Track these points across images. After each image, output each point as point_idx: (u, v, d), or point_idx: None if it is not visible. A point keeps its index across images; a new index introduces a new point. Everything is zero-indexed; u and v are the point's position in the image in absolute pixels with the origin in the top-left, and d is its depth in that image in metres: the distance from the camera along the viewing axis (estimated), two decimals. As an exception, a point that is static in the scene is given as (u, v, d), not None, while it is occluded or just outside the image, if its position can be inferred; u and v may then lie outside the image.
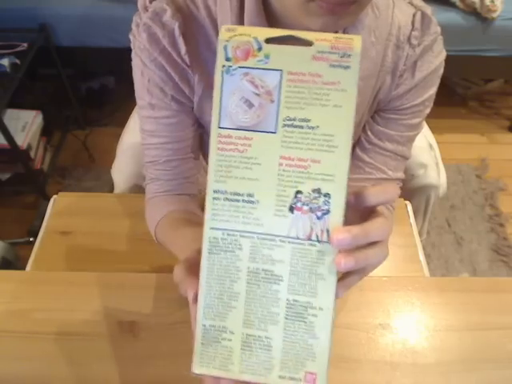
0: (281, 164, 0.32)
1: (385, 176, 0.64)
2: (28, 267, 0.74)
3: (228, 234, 0.34)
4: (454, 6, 1.67)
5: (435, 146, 1.04)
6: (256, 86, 0.32)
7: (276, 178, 0.33)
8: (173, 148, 0.61)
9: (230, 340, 0.35)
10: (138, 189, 0.90)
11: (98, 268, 0.74)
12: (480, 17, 1.65)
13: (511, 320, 0.59)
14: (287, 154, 0.32)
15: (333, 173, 0.32)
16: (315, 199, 0.33)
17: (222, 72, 0.32)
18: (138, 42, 0.55)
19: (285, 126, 0.32)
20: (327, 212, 0.33)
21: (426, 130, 1.06)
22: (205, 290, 0.35)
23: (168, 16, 0.52)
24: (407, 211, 0.83)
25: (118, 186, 0.96)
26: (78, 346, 0.55)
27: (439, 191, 1.01)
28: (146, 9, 0.54)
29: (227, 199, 0.33)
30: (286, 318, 0.35)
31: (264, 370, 0.35)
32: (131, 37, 0.56)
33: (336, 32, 0.53)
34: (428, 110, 0.63)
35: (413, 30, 0.56)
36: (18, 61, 1.51)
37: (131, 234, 0.80)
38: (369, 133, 0.63)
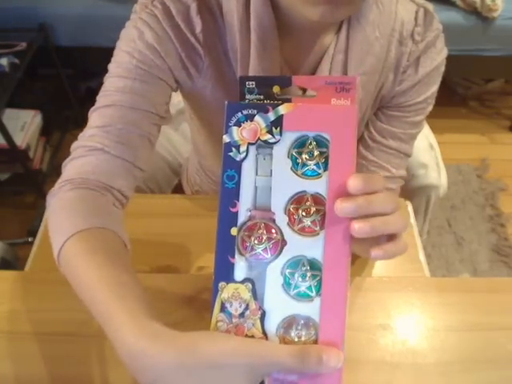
0: None
1: (388, 174, 0.64)
2: (27, 267, 0.74)
3: None
4: (454, 5, 1.67)
5: (436, 145, 1.04)
6: None
7: None
8: (140, 108, 0.53)
9: None
10: (136, 188, 0.90)
11: (97, 268, 0.74)
12: (481, 16, 1.65)
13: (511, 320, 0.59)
14: None
15: None
16: None
17: None
18: (149, 10, 0.53)
19: None
20: None
21: (426, 130, 1.06)
22: None
23: None
24: (408, 211, 0.82)
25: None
26: (77, 346, 0.55)
27: (440, 191, 1.01)
28: None
29: None
30: None
31: None
32: (137, 5, 0.54)
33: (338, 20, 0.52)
34: (430, 108, 0.63)
35: (416, 25, 0.56)
36: (16, 60, 1.51)
37: (130, 234, 0.80)
38: (372, 130, 0.63)
